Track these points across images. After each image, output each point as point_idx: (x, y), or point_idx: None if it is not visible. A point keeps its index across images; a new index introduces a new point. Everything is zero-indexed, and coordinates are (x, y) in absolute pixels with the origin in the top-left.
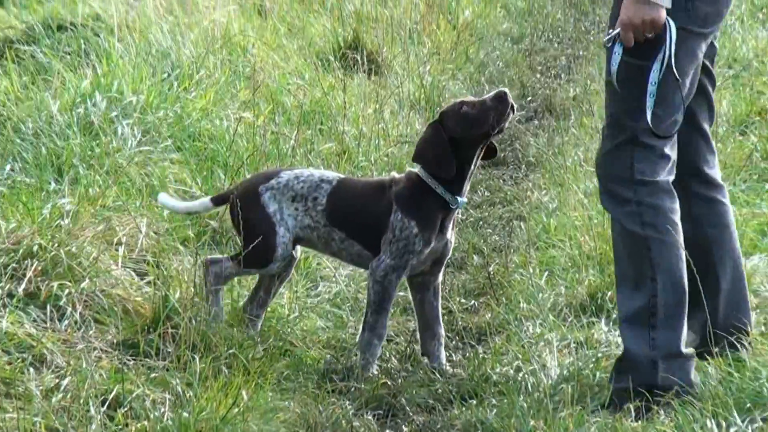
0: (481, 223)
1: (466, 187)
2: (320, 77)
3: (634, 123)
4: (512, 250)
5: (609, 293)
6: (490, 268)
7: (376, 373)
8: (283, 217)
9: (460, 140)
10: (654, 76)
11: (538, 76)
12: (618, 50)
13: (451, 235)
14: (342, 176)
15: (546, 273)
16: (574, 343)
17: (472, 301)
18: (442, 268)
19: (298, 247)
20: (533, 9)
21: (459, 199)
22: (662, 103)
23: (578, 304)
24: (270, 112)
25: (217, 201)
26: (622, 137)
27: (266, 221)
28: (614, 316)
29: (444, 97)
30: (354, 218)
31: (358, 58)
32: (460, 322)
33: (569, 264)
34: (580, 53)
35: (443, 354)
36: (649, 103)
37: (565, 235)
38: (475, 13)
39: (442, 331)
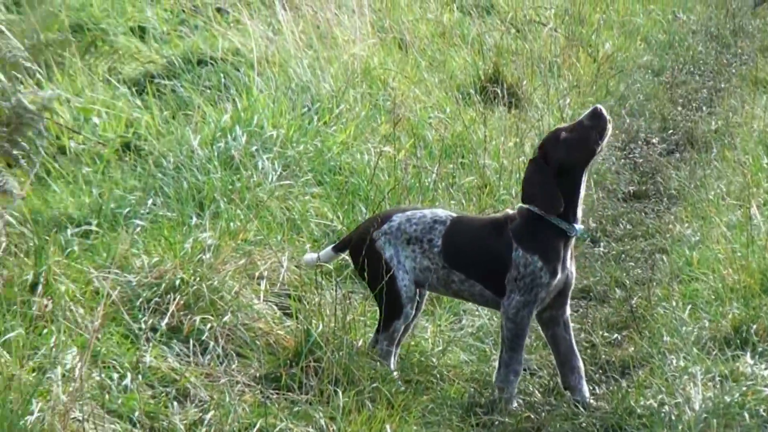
0: (623, 256)
1: (579, 213)
2: (461, 111)
3: None
4: (655, 284)
5: (754, 326)
6: (633, 302)
7: (517, 407)
8: (400, 260)
9: (566, 167)
10: None
11: (680, 108)
12: None
13: (571, 265)
14: (454, 215)
15: (689, 306)
16: (719, 376)
17: (615, 335)
18: (568, 300)
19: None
20: (674, 41)
21: (576, 226)
22: None
23: (722, 337)
24: (411, 146)
25: (338, 248)
26: None
27: (385, 267)
28: (760, 349)
29: None
30: (472, 258)
31: (499, 92)
32: (603, 356)
33: (712, 297)
34: (722, 86)
35: (585, 387)
36: None
37: (708, 268)
38: (615, 46)
39: (581, 364)
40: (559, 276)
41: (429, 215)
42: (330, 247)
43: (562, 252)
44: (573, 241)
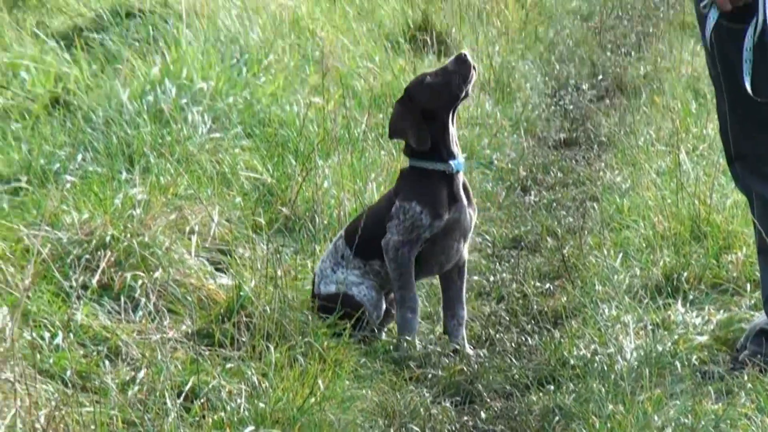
0: (554, 204)
1: (456, 149)
2: (390, 60)
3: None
4: (586, 232)
5: (685, 274)
6: (565, 251)
7: (449, 360)
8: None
9: (431, 110)
10: (748, 41)
11: (609, 54)
12: (713, 15)
13: (470, 206)
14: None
15: (620, 254)
16: (650, 324)
17: (547, 285)
18: (466, 245)
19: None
20: None
21: (452, 162)
22: (759, 68)
23: (653, 285)
24: (340, 96)
25: None
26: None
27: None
28: (690, 296)
29: (514, 77)
30: (371, 237)
31: (428, 40)
32: (535, 306)
33: (643, 245)
34: (651, 30)
35: (463, 333)
36: (746, 69)
37: (638, 215)
38: None
39: (464, 313)
40: (449, 216)
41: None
42: None
43: (444, 194)
44: (460, 178)
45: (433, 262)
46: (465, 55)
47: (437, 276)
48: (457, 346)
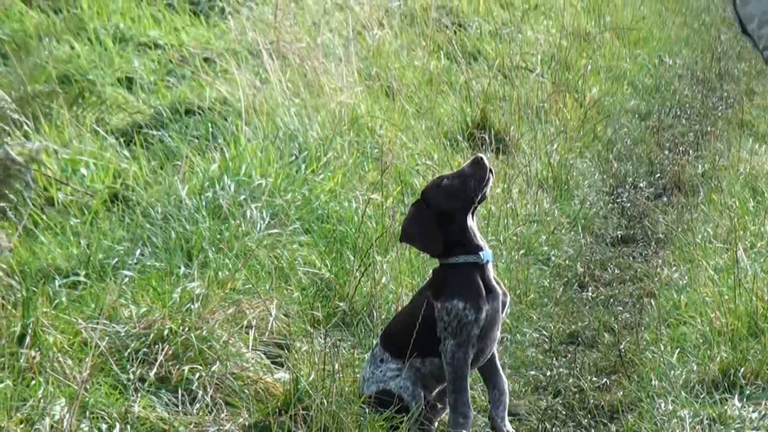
0: (611, 300)
1: (482, 242)
2: (449, 157)
3: None
4: (643, 328)
5: (741, 369)
6: (621, 346)
7: None
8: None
9: (448, 213)
10: None
11: (667, 152)
12: None
13: (502, 288)
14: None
15: (677, 350)
16: (707, 419)
17: (604, 379)
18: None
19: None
20: (660, 86)
21: (482, 253)
22: None
23: (710, 380)
24: (399, 193)
25: None
26: None
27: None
28: (747, 391)
29: (572, 175)
30: (409, 337)
31: (486, 138)
32: (591, 400)
33: (700, 341)
34: (708, 129)
35: (505, 403)
36: None
37: (695, 311)
38: (602, 91)
39: (504, 384)
40: (489, 306)
41: None
42: None
43: (481, 285)
44: (491, 269)
45: (477, 357)
46: (481, 158)
47: None
48: (497, 419)
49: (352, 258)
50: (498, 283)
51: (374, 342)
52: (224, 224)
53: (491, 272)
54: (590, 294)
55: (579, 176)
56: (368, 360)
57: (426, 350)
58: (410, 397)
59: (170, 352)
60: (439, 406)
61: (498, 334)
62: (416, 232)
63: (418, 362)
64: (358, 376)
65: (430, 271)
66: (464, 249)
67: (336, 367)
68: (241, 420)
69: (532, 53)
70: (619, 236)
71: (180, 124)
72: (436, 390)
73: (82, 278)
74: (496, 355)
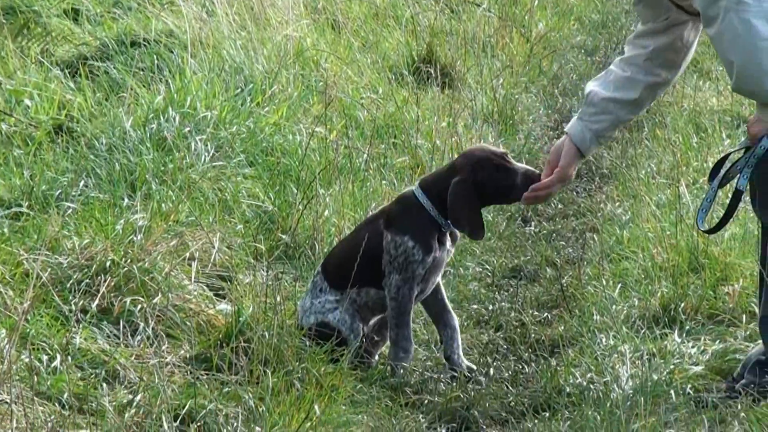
0: (554, 235)
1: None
2: (394, 91)
3: None
4: (585, 263)
5: (682, 305)
6: (564, 281)
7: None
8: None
9: (483, 194)
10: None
11: None
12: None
13: (452, 246)
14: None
15: (619, 285)
16: (647, 354)
17: (545, 314)
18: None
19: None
20: (607, 21)
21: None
22: None
23: (651, 315)
24: (343, 127)
25: None
26: None
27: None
28: (687, 327)
29: (517, 110)
30: (346, 268)
31: (432, 72)
32: (533, 335)
33: (642, 276)
34: None
35: (458, 342)
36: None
37: (637, 246)
38: (549, 26)
39: (454, 320)
40: (437, 255)
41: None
42: None
43: (434, 233)
44: (448, 231)
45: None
46: (538, 176)
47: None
48: (453, 355)
49: (295, 191)
50: (452, 235)
51: (316, 270)
52: (168, 156)
53: (448, 236)
54: (533, 228)
55: (524, 111)
56: (309, 289)
57: (365, 280)
58: (349, 331)
59: (112, 283)
60: (376, 338)
61: (438, 279)
62: (465, 218)
63: (355, 293)
64: (297, 305)
65: (388, 198)
66: (446, 210)
67: (278, 299)
68: (182, 352)
69: None
70: None
71: (126, 56)
72: (372, 321)
73: (24, 209)
74: (444, 293)
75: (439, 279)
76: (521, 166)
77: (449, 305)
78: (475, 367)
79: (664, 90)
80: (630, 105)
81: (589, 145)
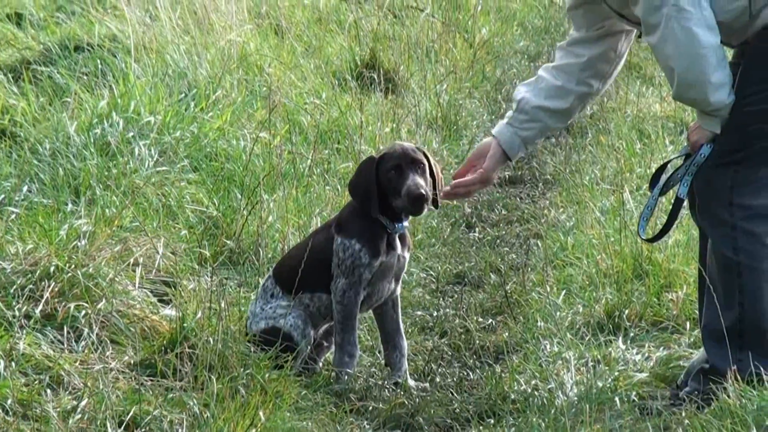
0: (498, 241)
1: (405, 220)
2: (337, 96)
3: None
4: (529, 269)
5: (626, 311)
6: (508, 287)
7: (390, 393)
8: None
9: (379, 183)
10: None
11: None
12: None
13: (404, 250)
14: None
15: (563, 291)
16: (591, 361)
17: (490, 320)
18: (399, 282)
19: None
20: (550, 27)
21: (398, 225)
22: None
23: (595, 322)
24: (287, 132)
25: None
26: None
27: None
28: (631, 333)
29: (461, 115)
30: (298, 272)
31: (375, 77)
32: (477, 341)
33: (586, 282)
34: None
35: (405, 365)
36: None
37: (582, 253)
38: (492, 32)
39: (404, 343)
40: (384, 258)
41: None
42: None
43: (384, 240)
44: (398, 233)
45: (365, 300)
46: (422, 198)
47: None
48: (399, 380)
49: (239, 196)
50: (402, 241)
51: (266, 275)
52: (112, 161)
53: (399, 237)
54: (477, 234)
55: (468, 116)
56: (259, 294)
57: (317, 285)
58: (300, 336)
59: (56, 289)
60: (325, 344)
61: (394, 288)
62: (361, 190)
63: (307, 298)
64: (244, 311)
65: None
66: (391, 212)
67: (222, 305)
68: (126, 358)
69: None
70: (507, 177)
71: (69, 60)
72: (323, 327)
73: None
74: (400, 314)
75: (398, 293)
76: (417, 181)
77: (402, 327)
78: (428, 387)
79: (593, 100)
80: (560, 114)
81: (517, 151)
